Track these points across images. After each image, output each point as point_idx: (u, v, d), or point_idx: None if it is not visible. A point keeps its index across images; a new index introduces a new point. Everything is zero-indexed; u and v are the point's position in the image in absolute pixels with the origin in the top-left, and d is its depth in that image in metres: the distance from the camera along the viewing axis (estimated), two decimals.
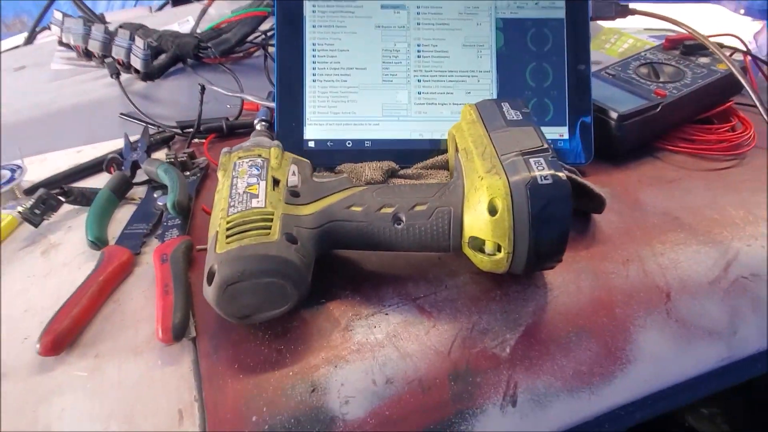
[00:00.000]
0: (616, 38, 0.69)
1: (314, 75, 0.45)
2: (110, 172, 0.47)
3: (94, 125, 0.57)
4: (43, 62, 0.74)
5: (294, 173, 0.35)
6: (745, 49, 0.56)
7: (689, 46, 0.52)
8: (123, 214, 0.42)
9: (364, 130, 0.45)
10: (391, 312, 0.32)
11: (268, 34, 0.64)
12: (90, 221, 0.39)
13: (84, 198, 0.43)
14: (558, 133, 0.45)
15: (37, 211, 0.40)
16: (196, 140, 0.53)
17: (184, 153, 0.48)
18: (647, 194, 0.43)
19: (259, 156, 0.35)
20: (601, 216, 0.40)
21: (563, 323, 0.32)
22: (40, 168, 0.50)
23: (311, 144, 0.45)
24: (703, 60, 0.51)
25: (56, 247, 0.40)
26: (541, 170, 0.30)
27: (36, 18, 0.94)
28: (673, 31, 0.62)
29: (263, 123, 0.47)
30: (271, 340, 0.31)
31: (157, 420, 0.27)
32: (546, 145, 0.32)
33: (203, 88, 0.54)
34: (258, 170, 0.34)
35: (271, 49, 0.61)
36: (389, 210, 0.32)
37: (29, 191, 0.46)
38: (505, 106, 0.36)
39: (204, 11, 0.75)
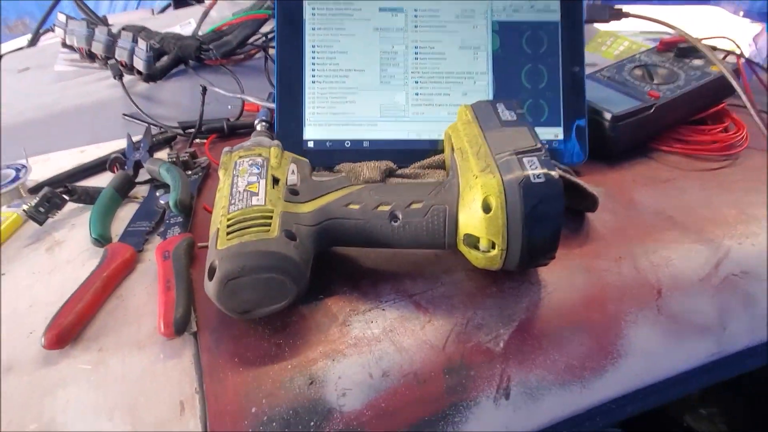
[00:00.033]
0: (612, 41, 0.70)
1: (314, 76, 0.46)
2: (113, 172, 0.48)
3: (98, 126, 0.58)
4: (47, 64, 0.75)
5: (293, 172, 0.36)
6: (738, 51, 0.56)
7: (683, 49, 0.53)
8: (126, 213, 0.43)
9: (363, 131, 0.46)
10: (387, 307, 0.33)
11: (269, 36, 0.65)
12: (93, 219, 0.40)
13: (88, 196, 0.44)
14: (553, 133, 0.46)
15: (41, 209, 0.41)
16: (197, 140, 0.54)
17: (186, 153, 0.48)
18: (641, 194, 0.43)
19: (260, 155, 0.36)
20: (595, 215, 0.40)
21: (556, 319, 0.33)
22: (44, 167, 0.51)
23: (310, 144, 0.46)
24: (697, 62, 0.52)
25: (60, 244, 0.41)
26: (534, 169, 0.31)
27: (39, 20, 0.95)
28: (668, 33, 0.63)
29: (263, 123, 0.48)
30: (271, 335, 0.31)
31: (159, 411, 0.28)
32: (539, 145, 0.33)
33: (205, 90, 0.54)
34: (258, 169, 0.35)
35: (272, 51, 0.62)
36: (386, 208, 0.33)
37: (34, 190, 0.47)
38: (500, 107, 0.37)
39: (206, 14, 0.76)
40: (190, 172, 0.47)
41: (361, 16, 0.46)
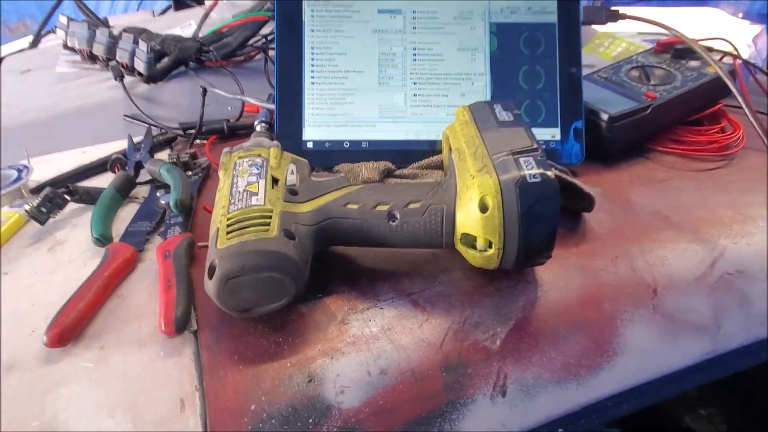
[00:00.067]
0: (610, 42, 0.70)
1: (313, 78, 0.46)
2: (114, 172, 0.49)
3: (99, 127, 0.58)
4: (49, 65, 0.76)
5: (292, 172, 0.37)
6: (735, 52, 0.57)
7: (680, 50, 0.53)
8: (127, 213, 0.44)
9: (362, 132, 0.46)
10: (386, 306, 0.33)
11: (269, 37, 0.66)
12: (95, 219, 0.40)
13: (89, 197, 0.44)
14: (550, 134, 0.46)
15: (43, 210, 0.42)
16: (197, 141, 0.54)
17: (186, 153, 0.49)
18: (637, 194, 0.44)
19: (259, 156, 0.36)
20: (591, 215, 0.41)
21: (552, 317, 0.33)
22: (46, 168, 0.52)
23: (310, 145, 0.46)
24: (694, 63, 0.52)
25: (62, 244, 0.41)
26: (531, 169, 0.31)
27: (41, 22, 0.96)
28: (665, 35, 0.63)
29: (263, 124, 0.48)
30: (270, 333, 0.32)
31: (159, 408, 0.28)
32: (536, 145, 0.33)
33: (205, 91, 0.55)
34: (258, 169, 0.35)
35: (272, 53, 0.63)
36: (384, 208, 0.33)
37: (35, 190, 0.47)
38: (497, 108, 0.37)
39: (206, 15, 0.77)
40: (190, 173, 0.48)
41: (360, 18, 0.47)
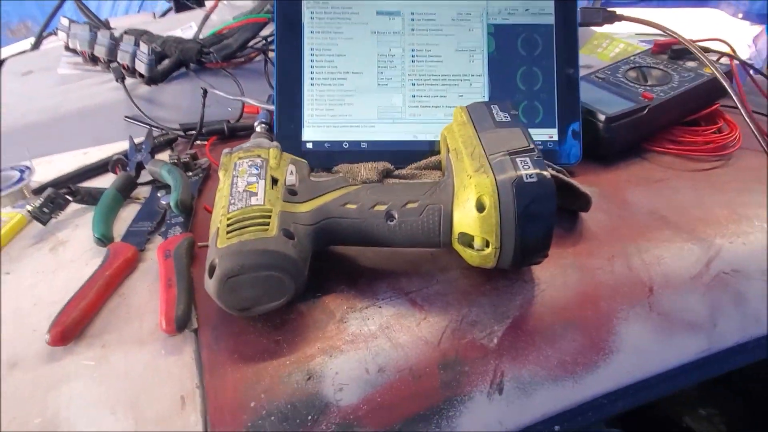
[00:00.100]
0: (608, 43, 0.71)
1: (312, 79, 0.47)
2: (116, 173, 0.49)
3: (100, 128, 0.59)
4: (50, 67, 0.76)
5: (292, 173, 0.37)
6: (732, 53, 0.57)
7: (677, 51, 0.54)
8: (128, 213, 0.44)
9: (361, 132, 0.47)
10: (384, 305, 0.34)
11: (269, 39, 0.66)
12: (96, 219, 0.41)
13: (90, 197, 0.45)
14: (548, 134, 0.47)
15: (45, 210, 0.42)
16: (198, 142, 0.55)
17: (187, 154, 0.49)
18: (634, 194, 0.44)
19: (259, 156, 0.37)
20: (588, 214, 0.41)
21: (549, 316, 0.33)
22: (47, 169, 0.52)
23: (309, 145, 0.46)
24: (690, 64, 0.53)
25: (64, 244, 0.42)
26: (527, 169, 0.31)
27: (43, 24, 0.97)
28: (663, 36, 0.63)
29: (263, 125, 0.49)
30: (270, 332, 0.32)
31: (160, 406, 0.29)
32: (532, 146, 0.33)
33: (205, 92, 0.55)
34: (257, 170, 0.35)
35: (272, 54, 0.63)
36: (382, 207, 0.34)
37: (38, 191, 0.47)
38: (495, 109, 0.37)
39: (206, 17, 0.77)
40: (190, 173, 0.48)
41: (359, 20, 0.47)
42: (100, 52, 0.67)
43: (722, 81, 0.44)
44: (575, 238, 0.39)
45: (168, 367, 0.31)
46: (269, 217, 0.32)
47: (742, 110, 0.42)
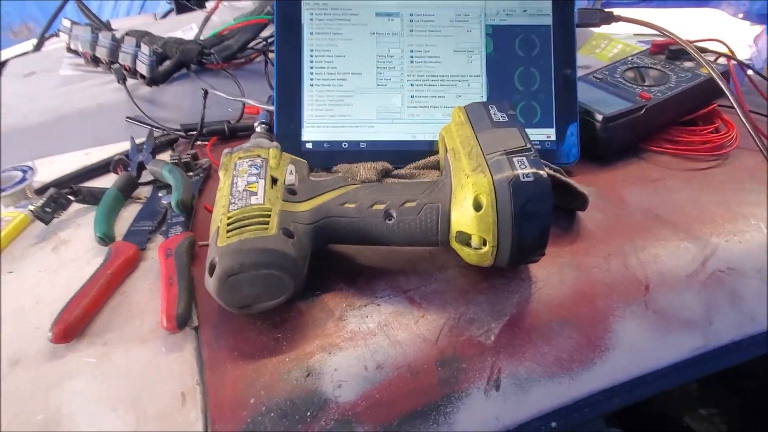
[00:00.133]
0: (606, 43, 0.71)
1: (312, 79, 0.47)
2: (117, 173, 0.50)
3: (102, 128, 0.59)
4: (52, 68, 0.77)
5: (291, 172, 0.37)
6: (729, 53, 0.57)
7: (674, 51, 0.54)
8: (129, 213, 0.44)
9: (360, 132, 0.47)
10: (382, 303, 0.34)
11: (269, 40, 0.67)
12: (98, 218, 0.41)
13: (92, 197, 0.45)
14: (545, 134, 0.47)
15: (47, 210, 0.42)
16: (199, 142, 0.55)
17: (188, 154, 0.50)
18: (631, 193, 0.44)
19: (259, 156, 0.37)
20: (585, 213, 0.41)
21: (546, 313, 0.34)
22: (50, 169, 0.52)
23: (309, 145, 0.47)
24: (688, 64, 0.53)
25: (66, 243, 0.42)
26: (524, 168, 0.32)
27: (44, 25, 0.97)
28: (662, 36, 0.63)
29: (263, 125, 0.49)
30: (269, 329, 0.33)
31: (161, 402, 0.29)
32: (529, 145, 0.34)
33: (206, 93, 0.56)
34: (257, 169, 0.36)
35: (272, 55, 0.64)
36: (381, 206, 0.34)
37: (40, 191, 0.48)
38: (492, 109, 0.38)
39: (207, 19, 0.78)
40: (191, 173, 0.48)
41: (358, 21, 0.47)
42: (102, 53, 0.68)
43: (718, 81, 0.44)
44: (572, 237, 0.39)
45: (169, 365, 0.31)
46: (269, 216, 0.32)
47: (738, 110, 0.42)
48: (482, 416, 0.30)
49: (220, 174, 0.37)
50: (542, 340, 0.32)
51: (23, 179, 0.48)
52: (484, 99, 0.47)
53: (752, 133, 0.42)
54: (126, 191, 0.46)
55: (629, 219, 0.41)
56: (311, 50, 0.47)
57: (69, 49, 0.74)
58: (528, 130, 0.35)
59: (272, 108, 0.48)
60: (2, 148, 0.56)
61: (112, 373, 0.31)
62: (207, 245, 0.34)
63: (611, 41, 0.71)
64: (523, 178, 0.31)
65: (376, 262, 0.38)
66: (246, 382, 0.29)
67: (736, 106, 0.43)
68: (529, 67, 0.47)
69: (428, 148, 0.46)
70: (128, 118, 0.59)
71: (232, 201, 0.34)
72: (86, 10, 0.86)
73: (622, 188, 0.45)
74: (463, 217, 0.32)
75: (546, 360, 0.31)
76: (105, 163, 0.51)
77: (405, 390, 0.29)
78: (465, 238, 0.33)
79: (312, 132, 0.47)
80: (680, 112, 0.51)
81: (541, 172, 0.32)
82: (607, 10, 0.49)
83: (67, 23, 0.73)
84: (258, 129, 0.49)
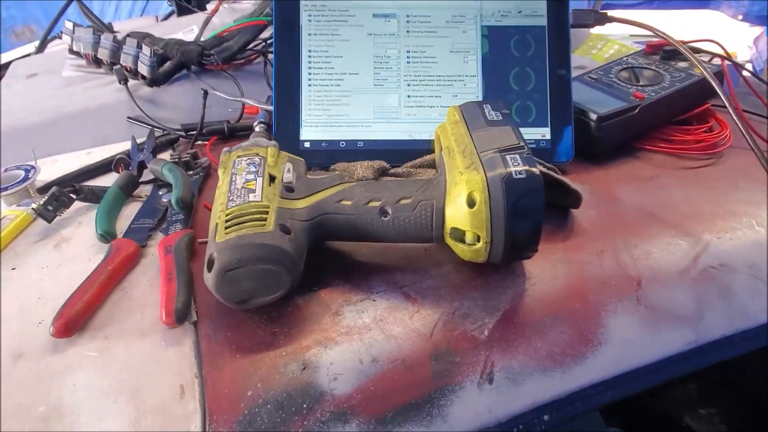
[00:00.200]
0: (603, 44, 0.72)
1: (310, 80, 0.48)
2: (118, 172, 0.50)
3: (103, 128, 0.60)
4: (54, 69, 0.77)
5: (289, 170, 0.38)
6: (725, 54, 0.58)
7: (669, 51, 0.55)
8: (130, 211, 0.45)
9: (357, 132, 0.48)
10: (378, 298, 0.35)
11: (268, 41, 0.67)
12: (99, 216, 0.42)
13: (94, 195, 0.46)
14: (540, 133, 0.48)
15: (50, 208, 0.43)
16: (199, 142, 0.56)
17: (188, 154, 0.50)
18: (624, 191, 0.45)
19: (257, 155, 0.38)
20: (579, 211, 0.42)
21: (539, 309, 0.34)
22: (52, 168, 0.53)
23: (307, 144, 0.48)
24: (682, 64, 0.53)
25: (68, 240, 0.43)
26: (516, 166, 0.32)
27: (47, 27, 0.98)
28: (658, 37, 0.64)
29: (262, 125, 0.50)
30: (266, 324, 0.33)
31: (160, 395, 0.30)
32: (522, 144, 0.34)
33: (206, 93, 0.56)
34: (255, 167, 0.36)
35: (271, 56, 0.64)
36: (377, 203, 0.35)
37: (42, 190, 0.49)
38: (487, 108, 0.38)
39: (208, 20, 0.78)
40: (191, 172, 0.49)
41: (356, 22, 0.48)
42: (104, 54, 0.69)
43: (711, 81, 0.45)
44: (566, 234, 0.40)
45: (168, 358, 0.32)
46: (266, 212, 0.33)
47: (730, 109, 0.43)
48: (475, 409, 0.30)
49: (219, 172, 0.38)
50: (535, 335, 0.33)
51: (26, 178, 0.49)
52: (480, 99, 0.48)
53: (744, 132, 0.42)
54: (127, 190, 0.47)
55: (622, 216, 0.42)
56: (309, 51, 0.48)
57: (71, 51, 0.75)
58: (523, 130, 0.36)
59: (271, 108, 0.49)
60: (5, 148, 0.57)
61: (113, 366, 0.31)
62: (206, 242, 0.35)
63: (607, 42, 0.72)
64: (516, 175, 0.32)
65: (373, 258, 0.38)
66: (243, 375, 0.30)
67: (728, 106, 0.43)
68: (525, 68, 0.48)
69: (425, 148, 0.47)
70: (129, 118, 0.60)
71: (231, 198, 0.34)
72: (88, 12, 0.87)
73: (615, 186, 0.46)
74: (457, 214, 0.33)
75: (539, 354, 0.32)
76: (106, 163, 0.52)
77: (399, 383, 0.30)
78: (459, 235, 0.34)
79: (310, 131, 0.48)
80: (674, 112, 0.51)
81: (534, 169, 0.32)
82: (601, 11, 0.50)
83: (69, 25, 0.74)
84: (257, 128, 0.49)
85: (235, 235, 0.32)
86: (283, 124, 0.47)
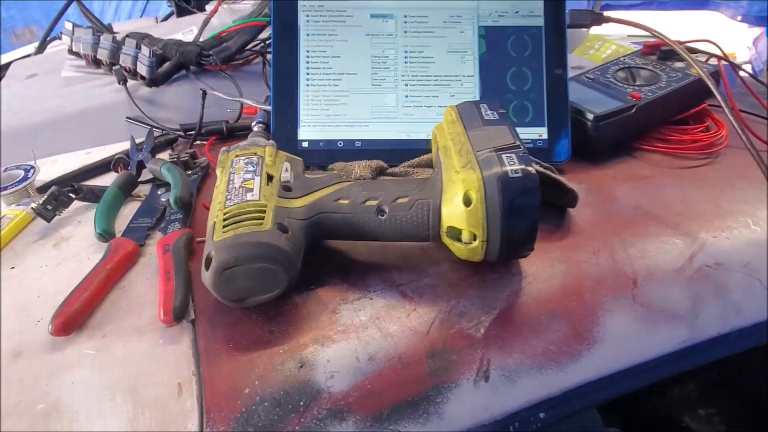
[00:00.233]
0: (600, 44, 0.72)
1: (308, 80, 0.48)
2: (117, 171, 0.51)
3: (103, 128, 0.60)
4: (54, 70, 0.78)
5: (287, 170, 0.38)
6: (722, 54, 0.58)
7: (665, 52, 0.55)
8: (129, 210, 0.45)
9: (355, 131, 0.48)
10: (375, 297, 0.35)
11: (267, 42, 0.68)
12: (98, 215, 0.42)
13: (93, 195, 0.46)
14: (537, 133, 0.48)
15: (49, 207, 0.43)
16: (197, 142, 0.56)
17: (187, 153, 0.51)
18: (621, 190, 0.45)
19: (255, 154, 0.38)
20: (575, 210, 0.42)
21: (535, 307, 0.34)
22: (51, 168, 0.53)
23: (305, 144, 0.48)
24: (679, 64, 0.54)
25: (67, 240, 0.43)
26: (512, 165, 0.33)
27: (47, 28, 0.99)
28: (655, 37, 0.64)
29: (260, 125, 0.50)
30: (264, 322, 0.33)
31: (158, 392, 0.30)
32: (518, 143, 0.34)
33: (205, 93, 0.57)
34: (253, 167, 0.37)
35: (269, 56, 0.64)
36: (373, 202, 0.35)
37: (42, 189, 0.49)
38: (483, 107, 0.39)
39: (207, 21, 0.79)
40: (190, 172, 0.49)
41: (353, 23, 0.48)
42: (103, 55, 0.69)
43: (706, 81, 0.45)
44: (562, 233, 0.40)
45: (166, 356, 0.32)
46: (264, 211, 0.33)
47: (726, 109, 0.43)
48: (471, 406, 0.30)
49: (218, 171, 0.38)
50: (531, 333, 0.33)
51: (25, 178, 0.49)
52: (477, 98, 0.48)
53: (740, 131, 0.42)
54: (126, 189, 0.47)
55: (619, 215, 0.42)
56: (307, 51, 0.48)
57: (71, 51, 0.75)
58: (520, 129, 0.36)
59: (269, 108, 0.49)
60: (5, 148, 0.57)
61: (111, 363, 0.31)
62: (204, 241, 0.35)
63: (605, 42, 0.72)
64: (512, 174, 0.32)
65: (370, 257, 0.38)
66: (241, 373, 0.30)
67: (724, 105, 0.44)
68: (522, 68, 0.48)
69: (423, 147, 0.47)
70: (128, 118, 0.60)
71: (229, 197, 0.34)
72: (88, 13, 0.87)
73: (612, 185, 0.46)
74: (453, 213, 0.33)
75: (535, 352, 0.32)
76: (105, 162, 0.52)
77: (396, 380, 0.30)
78: (456, 233, 0.34)
79: (308, 131, 0.48)
80: (671, 112, 0.51)
81: (530, 168, 0.32)
82: (597, 11, 0.50)
83: (69, 26, 0.74)
84: (255, 128, 0.50)
85: (232, 234, 0.32)
86: (282, 123, 0.48)
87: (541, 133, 0.48)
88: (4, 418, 0.29)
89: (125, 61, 0.66)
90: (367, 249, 0.39)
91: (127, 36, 0.70)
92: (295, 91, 0.48)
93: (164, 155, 0.53)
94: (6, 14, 2.19)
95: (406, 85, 0.48)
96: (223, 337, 0.32)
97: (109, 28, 0.90)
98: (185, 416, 0.29)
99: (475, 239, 0.33)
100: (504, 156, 0.33)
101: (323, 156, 0.47)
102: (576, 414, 0.33)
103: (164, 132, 0.57)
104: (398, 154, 0.47)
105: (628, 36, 0.73)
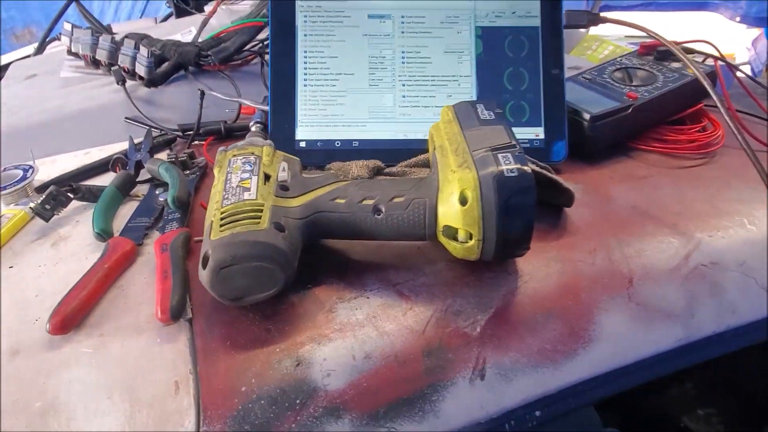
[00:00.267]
0: (598, 45, 0.72)
1: (306, 80, 0.48)
2: (116, 171, 0.51)
3: (101, 129, 0.60)
4: (53, 70, 0.78)
5: (284, 169, 0.38)
6: (720, 55, 0.58)
7: (662, 52, 0.55)
8: (127, 210, 0.45)
9: (352, 131, 0.48)
10: (372, 296, 0.35)
11: (265, 42, 0.68)
12: (96, 215, 0.42)
13: (91, 194, 0.46)
14: (534, 133, 0.48)
15: (47, 207, 0.44)
16: (196, 142, 0.56)
17: (185, 153, 0.51)
18: (618, 190, 0.45)
19: (252, 154, 0.38)
20: (572, 210, 0.42)
21: (531, 306, 0.34)
22: (50, 168, 0.54)
23: (302, 144, 0.48)
24: (675, 65, 0.54)
25: (65, 239, 0.43)
26: (508, 164, 0.33)
27: (46, 29, 0.99)
28: (652, 38, 0.64)
29: (258, 125, 0.50)
30: (261, 321, 0.33)
31: (155, 390, 0.30)
32: (514, 142, 0.35)
33: (203, 94, 0.57)
34: (251, 166, 0.37)
35: (267, 57, 0.65)
36: (370, 202, 0.35)
37: (40, 189, 0.49)
38: (480, 107, 0.39)
39: (205, 22, 0.79)
40: (188, 172, 0.49)
41: (351, 23, 0.48)
42: (102, 55, 0.69)
43: (703, 81, 0.45)
44: (558, 232, 0.40)
45: (163, 354, 0.32)
46: (261, 210, 0.33)
47: (722, 109, 0.43)
48: (467, 405, 0.30)
49: (215, 171, 0.38)
50: (527, 332, 0.33)
51: (24, 177, 0.49)
52: (474, 99, 0.48)
53: (736, 132, 0.43)
54: (124, 189, 0.47)
55: (615, 215, 0.42)
56: (305, 51, 0.48)
57: (70, 52, 0.75)
58: (517, 129, 0.36)
59: (267, 108, 0.50)
60: (5, 148, 0.57)
61: (108, 362, 0.32)
62: (202, 241, 0.35)
63: (602, 43, 0.72)
64: (508, 173, 0.32)
65: (366, 256, 0.38)
66: (237, 371, 0.30)
67: (720, 106, 0.44)
68: (518, 68, 0.48)
69: (420, 147, 0.47)
70: (127, 118, 0.61)
71: (226, 196, 0.35)
72: (87, 14, 0.87)
73: (609, 185, 0.46)
74: (449, 212, 0.33)
75: (530, 351, 0.32)
76: (104, 162, 0.53)
77: (392, 379, 0.30)
78: (452, 232, 0.34)
79: (306, 131, 0.48)
80: (667, 112, 0.52)
81: (525, 167, 0.33)
82: (594, 12, 0.50)
83: (68, 27, 0.74)
84: (253, 128, 0.50)
85: (229, 233, 0.32)
86: (279, 123, 0.48)
87: (537, 133, 0.48)
88: (2, 416, 0.29)
89: (124, 61, 0.66)
90: (364, 248, 0.39)
91: (126, 36, 0.70)
92: (292, 92, 0.48)
93: (162, 155, 0.53)
94: (6, 15, 2.20)
95: (404, 85, 0.48)
96: (220, 336, 0.33)
97: (108, 29, 0.90)
98: (182, 414, 0.29)
99: (471, 238, 0.33)
100: (500, 155, 0.33)
101: (321, 156, 0.48)
102: (572, 412, 0.33)
103: (162, 132, 0.57)
104: (395, 154, 0.47)
105: (626, 37, 0.73)
